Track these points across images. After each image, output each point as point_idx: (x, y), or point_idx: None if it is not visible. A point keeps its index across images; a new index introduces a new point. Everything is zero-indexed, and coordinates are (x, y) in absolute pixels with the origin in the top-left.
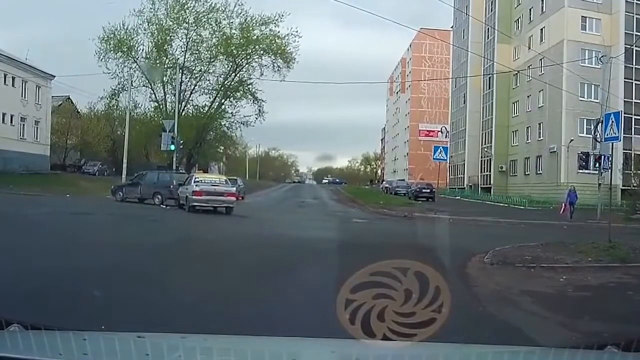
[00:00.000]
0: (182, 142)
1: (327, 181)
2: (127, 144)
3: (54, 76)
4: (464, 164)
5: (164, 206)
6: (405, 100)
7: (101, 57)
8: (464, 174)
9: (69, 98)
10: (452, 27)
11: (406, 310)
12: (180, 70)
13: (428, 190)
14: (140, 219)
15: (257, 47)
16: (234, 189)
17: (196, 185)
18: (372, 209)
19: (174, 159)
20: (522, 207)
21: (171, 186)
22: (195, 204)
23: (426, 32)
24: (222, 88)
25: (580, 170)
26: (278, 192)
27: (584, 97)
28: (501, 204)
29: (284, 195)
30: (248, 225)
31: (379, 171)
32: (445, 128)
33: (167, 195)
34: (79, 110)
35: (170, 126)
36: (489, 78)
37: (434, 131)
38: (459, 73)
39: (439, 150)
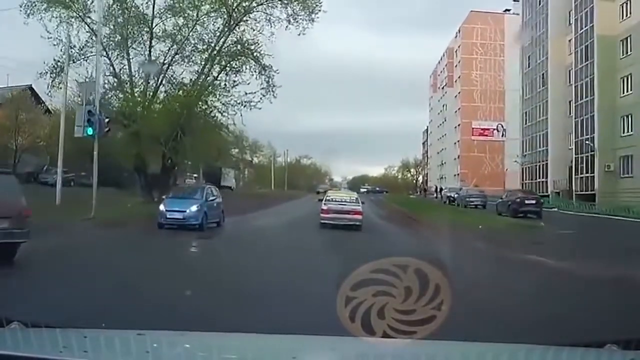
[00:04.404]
0: (107, 120)
1: (365, 190)
2: (63, 137)
3: None
4: (546, 164)
5: None
6: (454, 94)
7: (28, 11)
8: (546, 178)
9: (30, 87)
10: (505, 10)
11: None
12: (149, 30)
13: (534, 202)
14: None
15: None
16: None
17: None
18: (480, 245)
19: (95, 153)
20: None
21: None
22: None
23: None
24: (212, 53)
25: None
26: (294, 207)
27: None
28: None
29: (300, 211)
30: None
31: (420, 178)
32: (502, 126)
33: None
34: (44, 102)
35: (88, 93)
36: (586, 47)
37: (489, 129)
38: (532, 50)
39: None
